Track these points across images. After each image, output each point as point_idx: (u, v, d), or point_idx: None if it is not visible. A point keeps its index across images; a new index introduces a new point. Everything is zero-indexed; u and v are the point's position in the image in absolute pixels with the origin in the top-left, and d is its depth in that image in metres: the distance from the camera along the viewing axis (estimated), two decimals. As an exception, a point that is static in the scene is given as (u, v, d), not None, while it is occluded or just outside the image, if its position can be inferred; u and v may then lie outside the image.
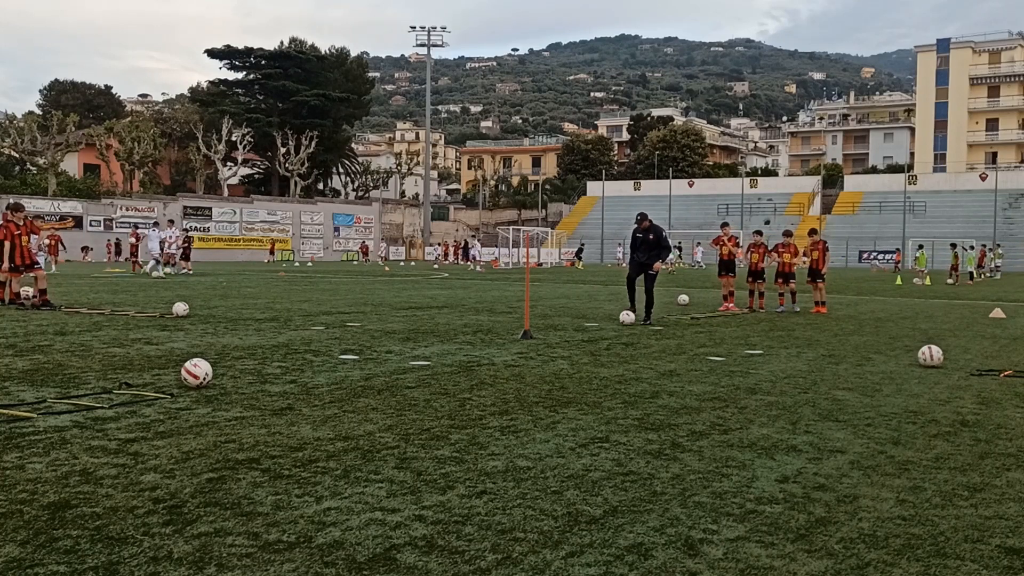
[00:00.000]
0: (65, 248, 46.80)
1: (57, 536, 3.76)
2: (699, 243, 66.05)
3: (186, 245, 36.23)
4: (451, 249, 72.93)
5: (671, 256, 54.73)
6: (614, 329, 13.65)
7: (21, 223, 16.60)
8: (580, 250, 66.96)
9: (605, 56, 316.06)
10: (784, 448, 5.66)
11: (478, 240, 70.87)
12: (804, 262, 19.33)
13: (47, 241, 39.73)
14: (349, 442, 5.62)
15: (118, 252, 57.62)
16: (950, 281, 38.10)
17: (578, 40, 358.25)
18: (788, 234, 20.52)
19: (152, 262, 33.31)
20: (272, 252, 66.19)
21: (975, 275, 43.33)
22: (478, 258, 58.20)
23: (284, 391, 7.52)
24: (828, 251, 19.53)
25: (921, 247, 49.43)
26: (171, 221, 50.97)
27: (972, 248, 46.43)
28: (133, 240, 38.34)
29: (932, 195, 74.78)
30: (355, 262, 66.46)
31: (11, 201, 18.14)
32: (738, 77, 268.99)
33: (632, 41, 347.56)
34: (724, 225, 19.61)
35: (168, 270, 34.33)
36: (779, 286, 18.73)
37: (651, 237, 15.20)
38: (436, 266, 56.17)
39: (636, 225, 15.62)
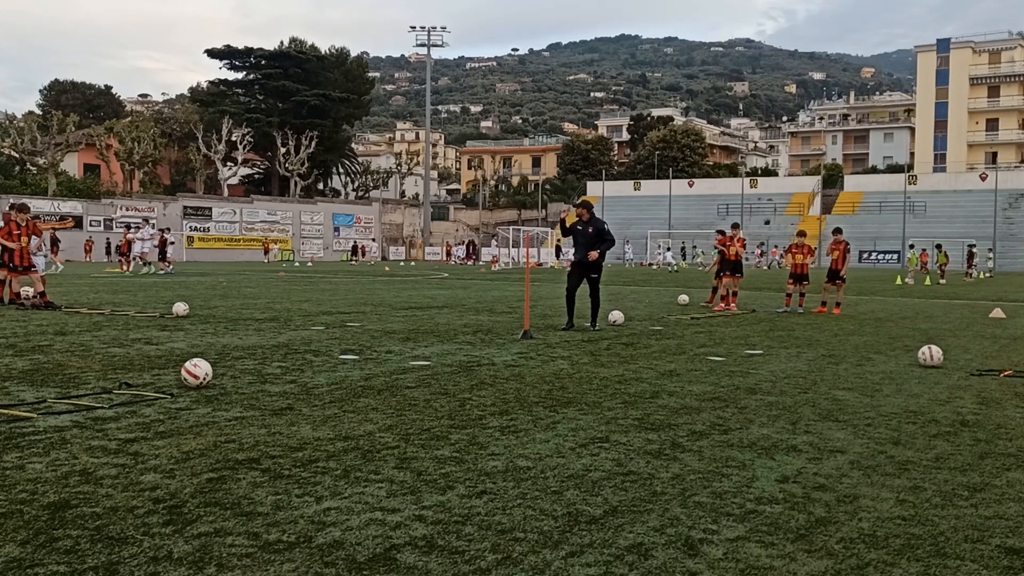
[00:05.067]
0: (60, 248, 46.84)
1: (57, 536, 3.76)
2: (628, 240, 68.21)
3: (162, 245, 36.74)
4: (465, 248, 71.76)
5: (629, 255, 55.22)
6: (614, 329, 13.65)
7: (23, 223, 16.60)
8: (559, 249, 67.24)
9: (605, 56, 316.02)
10: (784, 448, 5.66)
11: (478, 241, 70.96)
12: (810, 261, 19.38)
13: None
14: (349, 442, 5.62)
15: (114, 252, 57.72)
16: (943, 281, 38.24)
17: (578, 40, 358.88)
18: (802, 234, 20.54)
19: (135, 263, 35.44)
20: (267, 252, 65.60)
21: None
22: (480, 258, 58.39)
23: (284, 391, 7.52)
24: (849, 252, 19.58)
25: (912, 247, 49.35)
26: (145, 220, 51.40)
27: None
28: (123, 239, 38.51)
29: (932, 195, 74.73)
30: (354, 262, 66.39)
31: (18, 202, 18.12)
32: (738, 77, 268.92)
33: (632, 41, 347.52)
34: (735, 226, 19.57)
35: (147, 269, 35.21)
36: (790, 286, 18.69)
37: (591, 231, 13.10)
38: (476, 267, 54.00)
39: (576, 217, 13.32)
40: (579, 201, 13.66)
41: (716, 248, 19.30)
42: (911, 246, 49.68)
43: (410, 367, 9.10)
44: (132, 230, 39.72)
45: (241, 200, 72.70)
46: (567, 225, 13.58)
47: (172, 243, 41.25)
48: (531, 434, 5.95)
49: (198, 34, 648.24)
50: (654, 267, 56.48)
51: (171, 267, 35.87)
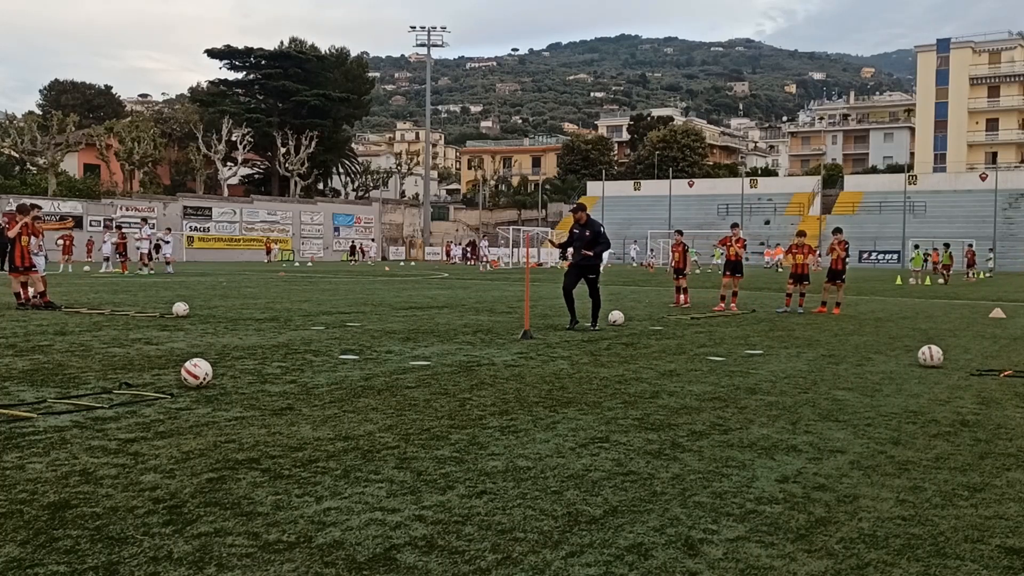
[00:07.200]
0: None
1: (57, 536, 3.76)
2: (635, 241, 68.67)
3: (123, 243, 37.14)
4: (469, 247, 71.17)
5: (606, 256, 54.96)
6: (614, 329, 13.64)
7: (22, 223, 16.59)
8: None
9: (605, 56, 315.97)
10: (784, 448, 5.66)
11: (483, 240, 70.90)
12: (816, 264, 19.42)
13: (60, 242, 39.90)
14: (349, 442, 5.62)
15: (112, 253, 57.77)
16: (940, 281, 38.29)
17: (578, 40, 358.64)
18: (802, 234, 20.56)
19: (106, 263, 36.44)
20: (268, 251, 65.52)
21: None
22: (486, 257, 58.37)
23: (284, 391, 7.52)
24: (848, 252, 19.65)
25: (917, 247, 49.37)
26: (144, 220, 51.62)
27: None
28: (118, 240, 38.55)
29: (932, 195, 74.72)
30: (354, 262, 66.38)
31: (23, 203, 18.14)
32: (738, 77, 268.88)
33: (632, 41, 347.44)
34: (734, 226, 19.58)
35: (145, 270, 35.43)
36: (790, 286, 18.70)
37: (587, 234, 13.44)
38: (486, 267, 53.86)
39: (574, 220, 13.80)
40: (575, 205, 13.92)
41: (724, 245, 19.33)
42: (916, 247, 49.75)
43: (410, 367, 9.10)
44: (121, 229, 39.88)
45: (241, 200, 72.64)
46: (564, 241, 14.01)
47: (169, 243, 41.32)
48: (531, 434, 5.96)
49: (198, 34, 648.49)
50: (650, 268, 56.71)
51: (146, 268, 36.09)
